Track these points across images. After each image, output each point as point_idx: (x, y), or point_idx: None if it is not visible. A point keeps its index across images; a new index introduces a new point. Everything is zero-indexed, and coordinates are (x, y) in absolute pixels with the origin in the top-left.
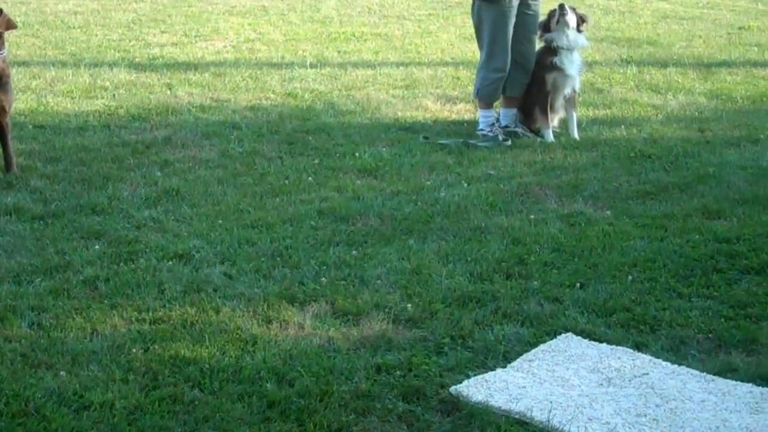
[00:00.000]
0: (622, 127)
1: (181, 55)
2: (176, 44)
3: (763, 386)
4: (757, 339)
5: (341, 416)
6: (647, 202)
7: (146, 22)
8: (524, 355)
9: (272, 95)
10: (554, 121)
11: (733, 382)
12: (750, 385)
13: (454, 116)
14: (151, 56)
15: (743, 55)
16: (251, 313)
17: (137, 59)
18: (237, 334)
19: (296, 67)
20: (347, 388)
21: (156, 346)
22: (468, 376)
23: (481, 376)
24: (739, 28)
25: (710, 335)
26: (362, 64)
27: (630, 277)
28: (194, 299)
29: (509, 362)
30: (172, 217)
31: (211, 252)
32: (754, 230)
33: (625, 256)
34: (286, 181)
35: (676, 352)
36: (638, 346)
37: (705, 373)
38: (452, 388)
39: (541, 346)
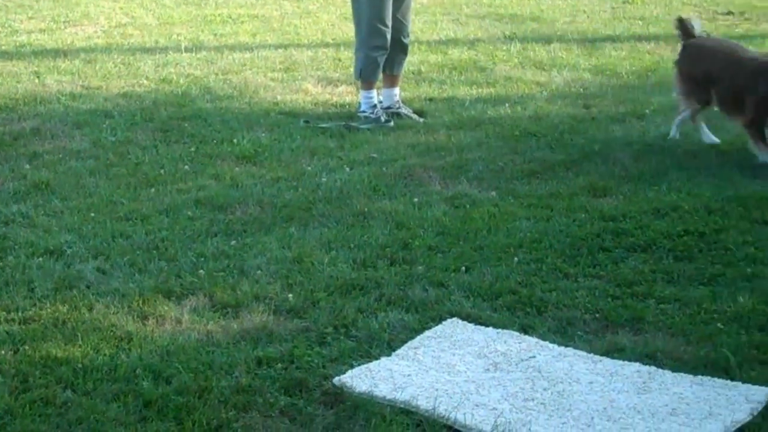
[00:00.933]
0: (507, 105)
1: (50, 42)
2: (44, 30)
3: (649, 365)
4: (643, 317)
5: (221, 413)
6: (533, 182)
7: (12, 8)
8: (409, 343)
9: (146, 81)
10: None
11: (620, 362)
12: (637, 364)
13: (335, 99)
14: (18, 44)
15: (628, 29)
16: (126, 309)
17: (3, 47)
18: (111, 331)
19: (170, 51)
20: (227, 384)
21: (26, 347)
22: (352, 366)
23: (365, 365)
24: (624, 2)
25: (597, 315)
26: (239, 47)
27: (516, 259)
28: (66, 297)
29: (394, 350)
30: (42, 212)
31: (84, 247)
32: (640, 207)
33: (510, 237)
34: (162, 171)
35: (563, 333)
36: (525, 329)
37: (592, 354)
38: (335, 379)
39: (427, 333)
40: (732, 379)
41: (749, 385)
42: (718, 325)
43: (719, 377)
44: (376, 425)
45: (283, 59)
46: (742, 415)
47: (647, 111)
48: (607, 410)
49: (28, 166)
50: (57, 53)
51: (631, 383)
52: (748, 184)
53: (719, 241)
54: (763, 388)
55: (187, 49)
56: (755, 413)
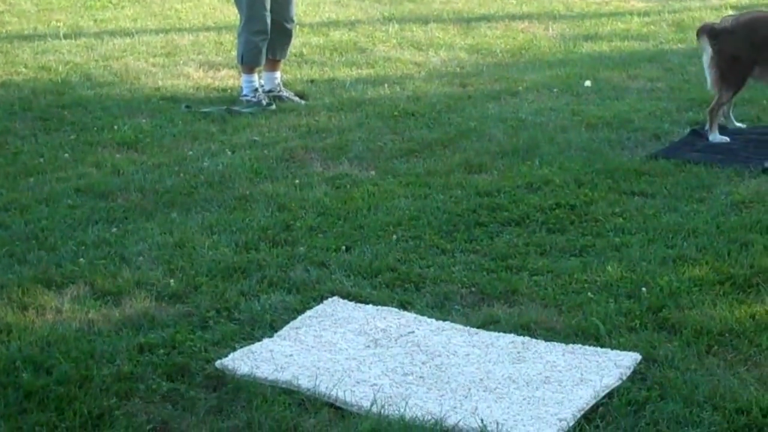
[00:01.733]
0: (386, 85)
1: None
2: None
3: (524, 336)
4: (517, 289)
5: (102, 401)
6: (411, 160)
7: None
8: (290, 323)
9: (24, 69)
10: None
11: (496, 334)
12: (512, 335)
13: (217, 83)
14: None
15: (502, 8)
16: (5, 300)
17: None
18: None
19: (49, 38)
20: (109, 372)
21: None
22: (234, 349)
23: (247, 347)
24: None
25: (473, 289)
26: (120, 33)
27: (395, 237)
28: None
29: (276, 331)
30: None
31: None
32: (514, 182)
33: (390, 215)
34: (41, 160)
35: (440, 308)
36: (404, 305)
37: (469, 327)
38: (217, 362)
39: (308, 313)
40: (602, 347)
41: (618, 351)
42: (589, 294)
43: (590, 345)
44: (257, 406)
45: (164, 44)
46: (612, 379)
47: (520, 88)
48: (484, 381)
49: None
50: None
51: (507, 354)
52: (615, 157)
53: (589, 213)
54: (631, 353)
55: (66, 36)
56: (624, 377)
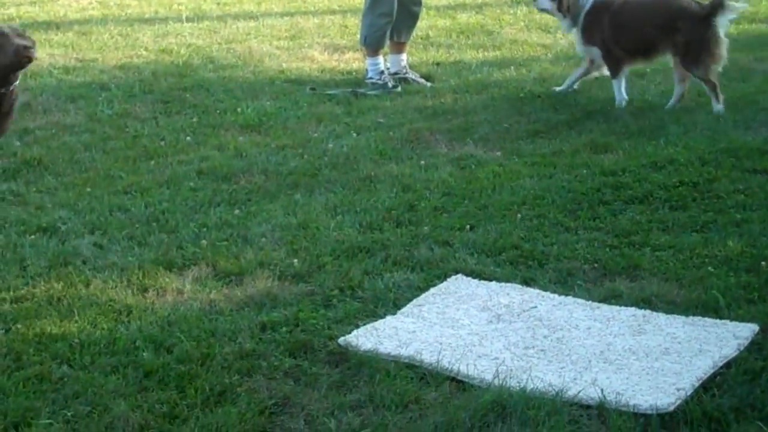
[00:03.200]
0: (512, 68)
1: (41, 14)
2: (34, 3)
3: (644, 309)
4: (639, 265)
5: (224, 378)
6: (537, 141)
7: None
8: (414, 301)
9: (144, 52)
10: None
11: (617, 308)
12: (633, 308)
13: (342, 66)
14: (6, 17)
15: None
16: (125, 283)
17: None
18: (110, 305)
19: (171, 21)
20: (230, 350)
21: (19, 326)
22: (358, 327)
23: (370, 324)
24: None
25: (596, 265)
26: (243, 16)
27: (519, 216)
28: (61, 273)
29: (399, 309)
30: (34, 189)
31: (79, 222)
32: (639, 162)
33: (514, 195)
34: (162, 143)
35: (563, 284)
36: (527, 281)
37: (591, 301)
38: (341, 339)
39: (431, 290)
40: (721, 318)
41: (737, 323)
42: (709, 268)
43: (709, 317)
44: (380, 380)
45: (288, 27)
46: (730, 350)
47: (648, 70)
48: (604, 353)
49: (18, 143)
50: (48, 26)
51: (627, 326)
52: (740, 136)
53: (712, 190)
54: (749, 324)
55: (188, 19)
56: (742, 348)
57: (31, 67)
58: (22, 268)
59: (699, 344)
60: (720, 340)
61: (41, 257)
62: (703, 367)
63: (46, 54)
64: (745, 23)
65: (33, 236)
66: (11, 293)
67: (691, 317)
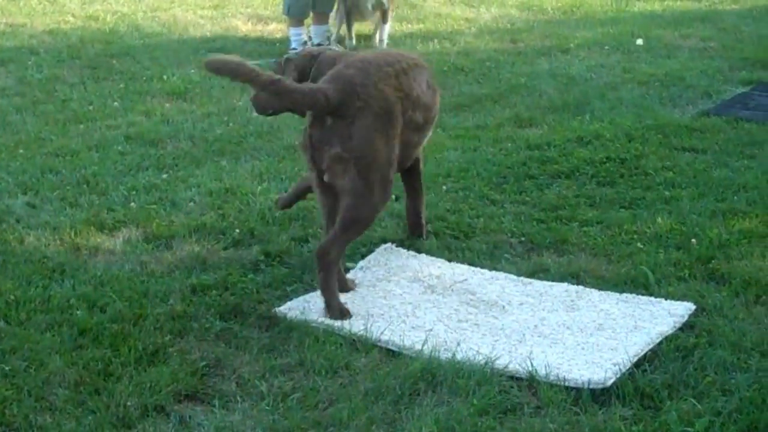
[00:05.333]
0: (436, 41)
1: None
2: None
3: (573, 284)
4: (567, 239)
5: (157, 338)
6: (461, 114)
7: None
8: (346, 274)
9: (72, 18)
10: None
11: (549, 283)
12: (565, 284)
13: (266, 36)
14: None
15: None
16: (58, 241)
17: None
18: (43, 263)
19: None
20: (162, 311)
21: None
22: (285, 292)
23: (302, 297)
24: None
25: (523, 239)
26: None
27: (444, 188)
28: None
29: None
30: None
31: (12, 182)
32: (564, 136)
33: (439, 167)
34: (91, 107)
35: (491, 256)
36: (454, 254)
37: (522, 277)
38: (274, 310)
39: (360, 262)
40: (652, 295)
41: (672, 301)
42: (638, 245)
43: (640, 293)
44: (309, 345)
45: None
46: (666, 327)
47: (572, 45)
48: (538, 327)
49: None
50: None
51: (560, 302)
52: (666, 113)
53: (639, 167)
54: (685, 303)
55: None
56: (678, 326)
57: None
58: None
59: (634, 321)
60: (655, 317)
61: None
62: (639, 343)
63: None
64: (670, 0)
65: None
66: None
67: (624, 294)
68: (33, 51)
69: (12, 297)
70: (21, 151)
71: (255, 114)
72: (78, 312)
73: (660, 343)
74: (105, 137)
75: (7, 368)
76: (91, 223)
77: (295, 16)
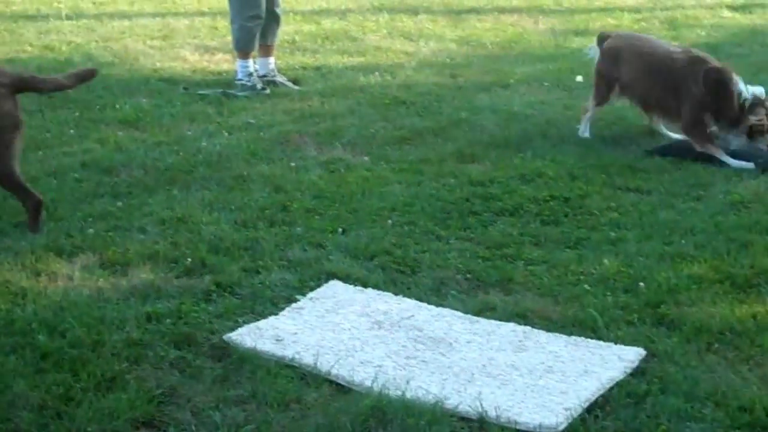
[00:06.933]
0: (377, 73)
1: None
2: None
3: (522, 324)
4: (513, 278)
5: (114, 365)
6: (403, 147)
7: None
8: (293, 304)
9: (29, 48)
10: None
11: (497, 322)
12: (512, 324)
13: (213, 66)
14: None
15: (491, 1)
16: (20, 266)
17: None
18: (6, 287)
19: (52, 19)
20: (119, 338)
21: None
22: (237, 322)
23: (253, 324)
24: None
25: (468, 275)
26: (118, 15)
27: (390, 221)
28: None
29: (277, 307)
30: None
31: None
32: (507, 173)
33: (384, 200)
34: (48, 134)
35: (437, 293)
36: (400, 289)
37: (469, 315)
38: (225, 336)
39: (309, 294)
40: (600, 339)
41: (622, 346)
42: (585, 286)
43: (588, 336)
44: (261, 378)
45: (161, 27)
46: (616, 372)
47: (511, 81)
48: (487, 367)
49: None
50: None
51: (508, 342)
52: (609, 152)
53: (584, 206)
54: (635, 348)
55: (68, 17)
56: (628, 371)
57: None
58: None
59: (584, 365)
60: (605, 362)
61: None
62: (590, 388)
63: None
64: None
65: None
66: None
67: (573, 337)
68: None
69: None
70: None
71: (204, 144)
72: (40, 336)
73: (611, 388)
74: (62, 164)
75: None
76: (51, 248)
77: (243, 50)
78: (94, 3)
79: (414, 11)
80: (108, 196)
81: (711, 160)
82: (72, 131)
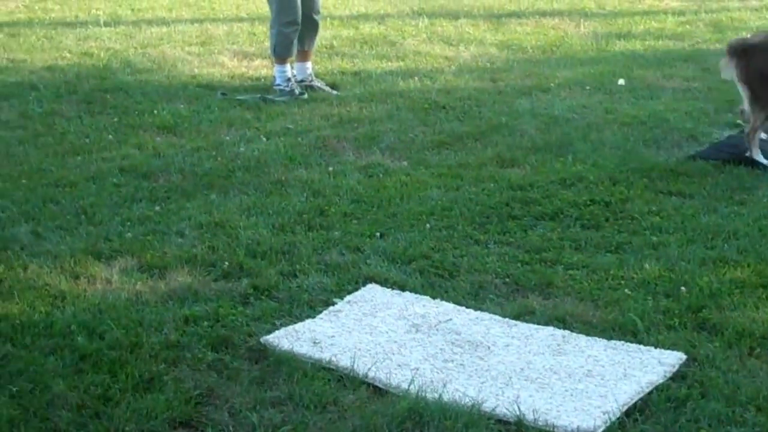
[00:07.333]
0: (416, 78)
1: None
2: None
3: (561, 329)
4: (552, 282)
5: (152, 366)
6: (442, 152)
7: None
8: (331, 307)
9: (68, 55)
10: None
11: (535, 326)
12: (551, 328)
13: (251, 72)
14: None
15: (532, 5)
16: (59, 269)
17: None
18: (46, 290)
19: (90, 25)
20: (157, 340)
21: None
22: (275, 325)
23: (290, 326)
24: None
25: (507, 280)
26: (156, 22)
27: (428, 226)
28: (1, 257)
29: (314, 311)
30: None
31: (16, 211)
32: (547, 177)
33: (422, 205)
34: (87, 140)
35: (475, 297)
36: (438, 293)
37: (507, 318)
38: (262, 339)
39: (347, 298)
40: (640, 343)
41: (662, 350)
42: (626, 290)
43: (628, 341)
44: (298, 380)
45: (199, 33)
46: (656, 377)
47: (552, 85)
48: (525, 371)
49: None
50: None
51: (546, 346)
52: (651, 156)
53: (625, 211)
54: (675, 352)
55: (106, 24)
56: (668, 375)
57: None
58: None
59: (623, 369)
60: (645, 365)
61: None
62: (629, 391)
63: None
64: (652, 40)
65: None
66: None
67: (612, 341)
68: (33, 86)
69: (17, 321)
70: (24, 181)
71: (242, 149)
72: (79, 338)
73: (650, 392)
74: (101, 169)
75: (14, 389)
76: (89, 252)
77: (280, 56)
78: (132, 9)
79: (454, 16)
80: (146, 200)
81: (754, 163)
82: (111, 137)
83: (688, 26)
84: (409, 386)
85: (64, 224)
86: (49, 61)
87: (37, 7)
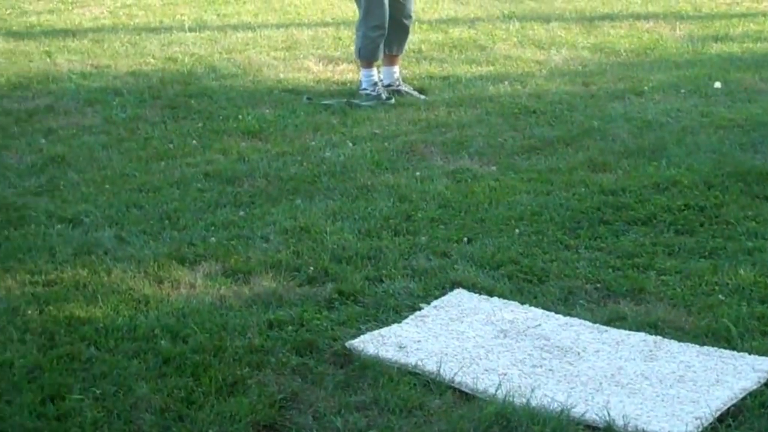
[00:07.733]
0: (506, 83)
1: (59, 23)
2: (53, 11)
3: (653, 334)
4: (644, 288)
5: (236, 370)
6: (532, 157)
7: None
8: (417, 312)
9: (152, 60)
10: None
11: (626, 332)
12: (642, 334)
13: (336, 77)
14: (28, 24)
15: (626, 7)
16: (142, 273)
17: (14, 28)
18: (129, 294)
19: (175, 31)
20: (241, 344)
21: (51, 308)
22: (360, 330)
23: (376, 331)
24: None
25: (598, 285)
26: (242, 27)
27: (517, 231)
28: (85, 261)
29: (400, 315)
30: (60, 183)
31: (100, 215)
32: (640, 182)
33: (511, 210)
34: (171, 145)
35: (565, 302)
36: (527, 298)
37: (597, 324)
38: (347, 343)
39: (434, 303)
40: (734, 349)
41: (755, 356)
42: (719, 296)
43: (721, 347)
44: (384, 384)
45: (284, 38)
46: (749, 383)
47: (646, 88)
48: (615, 376)
49: (44, 141)
50: (66, 33)
51: (638, 351)
52: (747, 160)
53: (720, 216)
54: None
55: (191, 29)
56: (762, 381)
57: (53, 72)
58: (51, 255)
59: (716, 374)
60: (738, 371)
61: (68, 246)
62: (721, 397)
63: (65, 60)
64: (750, 42)
65: (59, 226)
66: (43, 277)
67: (705, 347)
68: (117, 92)
69: (101, 325)
70: (107, 186)
71: (328, 154)
72: (162, 342)
73: (744, 398)
74: (185, 174)
75: (98, 392)
76: (173, 257)
77: (366, 59)
78: (218, 15)
79: (546, 19)
80: (230, 205)
81: None
82: (195, 142)
83: None
84: (496, 391)
85: (147, 229)
86: (133, 66)
87: (121, 13)
